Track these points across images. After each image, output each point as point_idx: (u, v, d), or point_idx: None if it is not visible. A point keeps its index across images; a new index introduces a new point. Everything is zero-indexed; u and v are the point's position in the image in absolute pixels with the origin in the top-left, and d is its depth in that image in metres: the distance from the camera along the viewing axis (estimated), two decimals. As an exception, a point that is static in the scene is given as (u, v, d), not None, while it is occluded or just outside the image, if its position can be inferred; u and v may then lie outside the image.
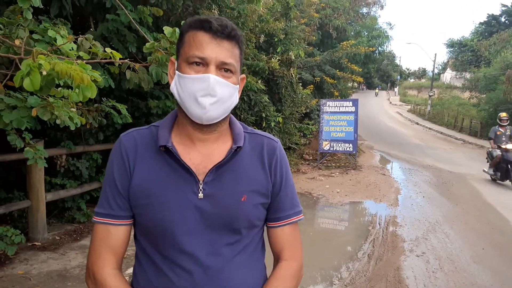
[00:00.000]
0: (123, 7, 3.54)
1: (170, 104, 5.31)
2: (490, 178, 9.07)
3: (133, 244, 1.03)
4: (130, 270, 1.14)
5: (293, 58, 8.92)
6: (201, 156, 0.98)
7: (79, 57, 2.16)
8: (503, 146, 8.57)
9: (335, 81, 14.35)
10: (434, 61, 31.77)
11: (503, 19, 36.43)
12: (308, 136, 12.01)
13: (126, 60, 2.53)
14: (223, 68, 0.93)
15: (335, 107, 10.33)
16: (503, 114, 9.32)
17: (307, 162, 10.62)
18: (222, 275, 0.95)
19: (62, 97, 2.16)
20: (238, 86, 0.98)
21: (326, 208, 6.48)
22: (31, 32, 2.33)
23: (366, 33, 22.11)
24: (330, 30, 16.68)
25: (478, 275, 3.87)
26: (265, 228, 1.09)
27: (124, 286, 0.96)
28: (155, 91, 5.43)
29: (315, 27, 15.15)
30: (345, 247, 4.73)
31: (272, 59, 8.36)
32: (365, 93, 47.67)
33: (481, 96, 23.49)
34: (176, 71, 0.96)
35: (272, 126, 8.04)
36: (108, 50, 2.28)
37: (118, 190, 0.97)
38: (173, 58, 1.02)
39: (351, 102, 10.53)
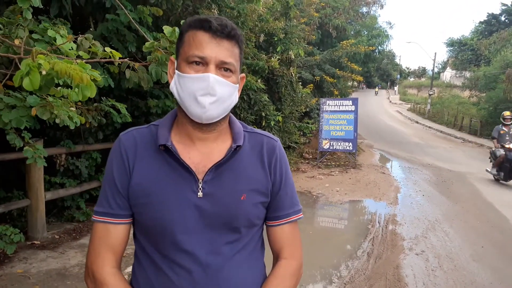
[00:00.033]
0: (123, 7, 3.54)
1: (169, 103, 5.30)
2: (493, 178, 8.80)
3: (132, 242, 1.03)
4: (129, 269, 1.14)
5: (293, 57, 8.92)
6: (201, 155, 0.98)
7: (78, 57, 2.16)
8: (507, 146, 8.32)
9: (335, 80, 14.35)
10: (434, 60, 31.77)
11: (503, 18, 36.41)
12: (307, 135, 12.02)
13: (125, 60, 2.53)
14: (223, 68, 0.93)
15: (335, 106, 10.34)
16: (507, 113, 8.87)
17: (307, 161, 10.63)
18: (221, 274, 0.95)
19: (62, 96, 2.16)
20: (237, 85, 0.98)
21: (326, 207, 6.48)
22: (31, 32, 2.33)
23: (366, 32, 22.06)
24: (330, 30, 16.65)
25: (477, 273, 3.88)
26: (264, 226, 1.09)
27: (123, 285, 0.96)
28: (155, 91, 5.43)
29: (315, 26, 15.13)
30: (344, 246, 4.74)
31: (272, 58, 8.35)
32: (365, 92, 47.68)
33: (481, 95, 23.48)
34: (176, 71, 0.96)
35: (272, 125, 8.05)
36: (107, 49, 2.28)
37: (118, 189, 0.97)
38: (172, 57, 1.02)
39: (351, 101, 10.53)
